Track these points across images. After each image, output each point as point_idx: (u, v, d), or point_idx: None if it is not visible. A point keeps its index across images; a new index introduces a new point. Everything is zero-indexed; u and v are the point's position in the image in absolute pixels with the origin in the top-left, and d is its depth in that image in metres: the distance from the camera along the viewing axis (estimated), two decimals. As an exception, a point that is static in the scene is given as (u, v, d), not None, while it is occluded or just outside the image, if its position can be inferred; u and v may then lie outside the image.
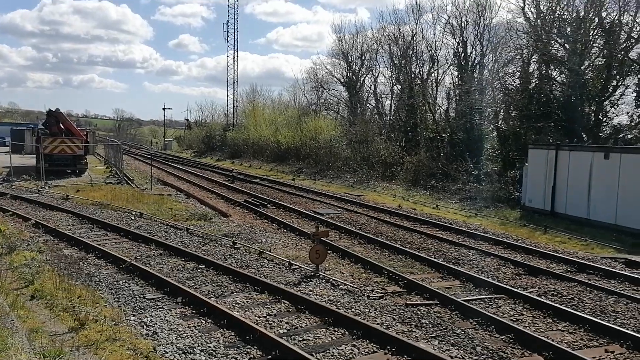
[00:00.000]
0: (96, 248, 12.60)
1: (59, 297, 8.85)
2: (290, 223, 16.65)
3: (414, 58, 36.85)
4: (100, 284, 10.19)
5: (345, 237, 15.15)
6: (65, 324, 7.88)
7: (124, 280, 10.41)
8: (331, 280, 10.77)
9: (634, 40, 24.32)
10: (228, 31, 58.45)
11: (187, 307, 9.00)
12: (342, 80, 45.91)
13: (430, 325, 8.50)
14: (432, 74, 35.80)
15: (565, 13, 27.17)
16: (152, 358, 7.01)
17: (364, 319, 8.51)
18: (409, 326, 8.47)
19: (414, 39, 36.69)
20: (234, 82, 59.34)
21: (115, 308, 8.86)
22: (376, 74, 42.89)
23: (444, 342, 7.86)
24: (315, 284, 10.55)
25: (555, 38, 27.09)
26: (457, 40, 33.14)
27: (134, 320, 8.39)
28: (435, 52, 35.21)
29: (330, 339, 7.89)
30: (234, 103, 59.36)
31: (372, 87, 43.57)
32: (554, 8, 27.39)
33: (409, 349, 7.33)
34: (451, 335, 8.15)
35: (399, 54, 38.20)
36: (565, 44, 26.46)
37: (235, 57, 59.65)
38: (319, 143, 37.81)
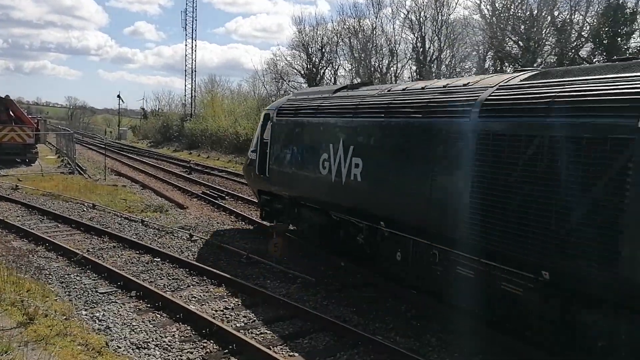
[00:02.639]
0: (47, 240, 12.20)
1: (7, 291, 8.51)
2: (249, 215, 16.55)
3: (373, 51, 37.16)
4: (50, 277, 9.90)
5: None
6: (14, 319, 7.60)
7: (75, 274, 10.14)
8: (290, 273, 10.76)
9: (584, 39, 25.20)
10: (186, 20, 57.32)
11: (141, 301, 8.84)
12: (302, 72, 45.74)
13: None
14: (392, 68, 36.23)
15: (519, 11, 27.92)
16: (104, 353, 6.85)
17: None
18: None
19: (374, 32, 37.03)
20: (192, 72, 58.25)
21: (66, 302, 8.62)
22: (336, 67, 43.02)
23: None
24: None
25: (510, 35, 27.80)
26: (415, 35, 33.63)
27: (86, 315, 8.20)
28: (395, 46, 35.65)
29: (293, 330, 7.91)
30: (192, 93, 58.32)
31: (332, 80, 43.62)
32: (508, 6, 28.11)
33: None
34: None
35: (359, 47, 38.43)
36: (519, 42, 27.18)
37: (194, 47, 58.56)
38: (278, 135, 37.56)
